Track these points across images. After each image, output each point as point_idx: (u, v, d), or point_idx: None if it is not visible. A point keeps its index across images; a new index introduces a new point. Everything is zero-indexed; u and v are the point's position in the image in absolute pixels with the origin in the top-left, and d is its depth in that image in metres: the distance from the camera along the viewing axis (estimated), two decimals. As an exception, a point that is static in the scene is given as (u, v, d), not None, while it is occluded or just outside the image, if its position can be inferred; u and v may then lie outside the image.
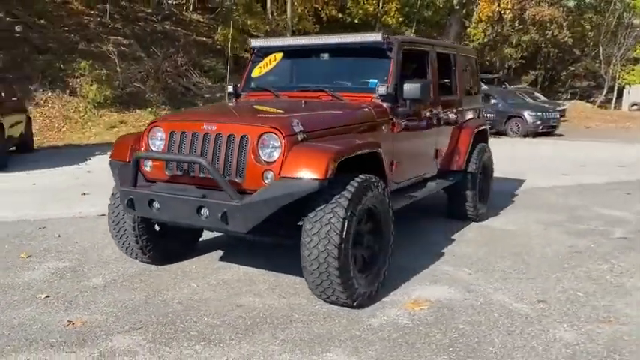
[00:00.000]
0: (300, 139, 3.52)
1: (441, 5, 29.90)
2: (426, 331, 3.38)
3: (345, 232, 3.39)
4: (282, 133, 3.48)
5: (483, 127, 6.28)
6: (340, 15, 28.52)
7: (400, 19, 29.52)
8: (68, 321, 3.43)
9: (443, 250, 5.02)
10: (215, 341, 3.20)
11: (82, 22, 22.79)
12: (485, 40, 30.50)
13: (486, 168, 6.31)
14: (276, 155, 3.48)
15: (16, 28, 20.48)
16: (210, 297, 3.86)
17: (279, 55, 5.02)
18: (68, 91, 18.79)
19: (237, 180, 3.57)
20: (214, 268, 4.48)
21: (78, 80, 19.17)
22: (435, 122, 5.20)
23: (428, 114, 5.06)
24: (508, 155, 11.76)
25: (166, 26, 25.82)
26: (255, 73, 5.09)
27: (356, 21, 28.75)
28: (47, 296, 3.84)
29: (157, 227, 4.40)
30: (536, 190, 8.21)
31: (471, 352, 3.11)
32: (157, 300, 3.80)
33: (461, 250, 5.05)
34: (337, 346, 3.16)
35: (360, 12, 28.43)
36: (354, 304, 3.62)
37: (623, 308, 3.78)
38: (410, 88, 4.42)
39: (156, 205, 3.67)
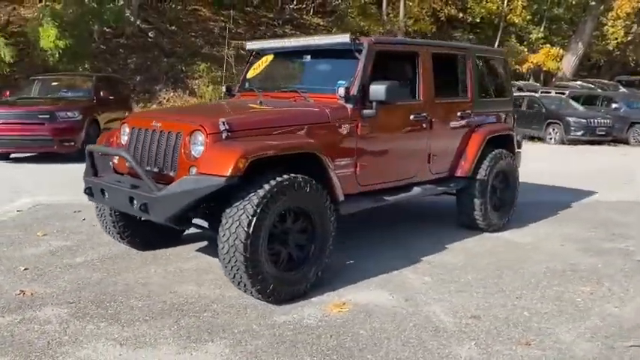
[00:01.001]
0: (224, 137, 3.67)
1: (574, 2, 27.74)
2: (323, 333, 3.38)
3: (252, 229, 3.49)
4: (206, 131, 3.68)
5: (503, 133, 5.91)
6: (461, 14, 27.70)
7: (528, 17, 27.91)
8: (21, 290, 3.91)
9: (421, 257, 4.86)
10: (121, 321, 3.48)
11: (208, 27, 24.54)
12: (628, 38, 27.84)
13: (507, 176, 5.94)
14: (200, 152, 3.68)
15: (150, 34, 22.67)
16: (155, 282, 4.16)
17: (270, 57, 5.19)
18: (187, 91, 20.42)
19: (170, 174, 3.83)
20: (185, 257, 4.77)
21: (196, 82, 20.75)
22: (425, 125, 5.03)
23: (414, 116, 4.92)
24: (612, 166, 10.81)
25: (286, 30, 26.87)
26: (250, 74, 5.32)
27: (477, 20, 27.74)
28: (26, 269, 4.39)
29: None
30: (595, 203, 7.50)
31: (344, 359, 3.07)
32: (110, 280, 4.17)
33: (441, 259, 4.86)
34: (223, 338, 3.28)
35: (483, 11, 27.35)
36: (269, 299, 3.71)
37: (560, 333, 3.45)
38: (375, 90, 4.36)
39: (106, 194, 4.04)
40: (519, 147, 6.31)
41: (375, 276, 4.37)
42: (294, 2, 27.86)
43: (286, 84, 4.99)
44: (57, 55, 17.68)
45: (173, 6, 24.64)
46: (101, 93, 10.96)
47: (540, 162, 11.14)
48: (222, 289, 4.01)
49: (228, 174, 3.45)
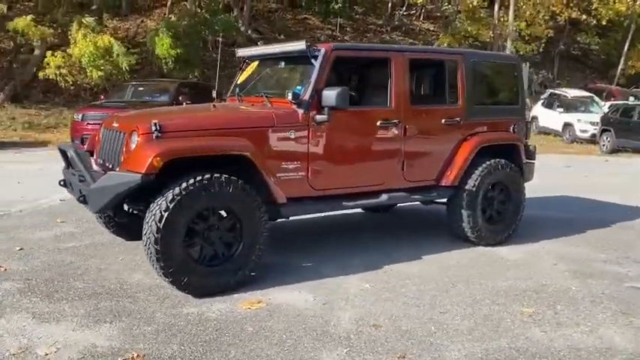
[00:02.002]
0: (154, 137, 3.98)
1: None
2: (211, 326, 3.54)
3: (163, 223, 3.75)
4: (139, 131, 4.01)
5: (502, 142, 5.60)
6: (584, 17, 25.76)
7: (664, 18, 25.28)
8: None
9: (383, 265, 4.81)
10: (53, 298, 3.90)
11: (315, 35, 25.24)
12: None
13: (507, 188, 5.61)
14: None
15: (258, 43, 23.85)
16: (112, 269, 4.57)
17: (255, 64, 5.44)
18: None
19: (116, 169, 4.21)
20: (160, 248, 5.14)
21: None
22: (397, 131, 4.96)
23: (382, 122, 4.87)
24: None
25: (394, 36, 26.88)
26: (240, 79, 5.59)
27: (603, 23, 25.64)
28: (21, 249, 5.03)
29: (125, 207, 5.20)
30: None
31: (209, 350, 3.21)
32: (77, 264, 4.66)
33: (401, 268, 4.77)
34: (122, 322, 3.57)
35: (610, 12, 25.21)
36: (185, 291, 3.94)
37: (449, 351, 3.30)
38: (326, 95, 4.43)
39: (70, 186, 4.53)
40: (531, 158, 5.92)
41: (312, 280, 4.42)
42: (404, 8, 27.74)
43: (259, 89, 5.18)
44: (170, 63, 19.32)
45: (283, 16, 25.69)
46: (180, 98, 11.86)
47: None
48: (160, 280, 4.27)
49: (144, 171, 3.75)
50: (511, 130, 5.76)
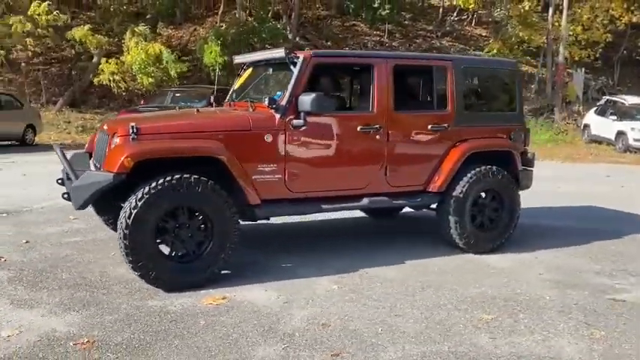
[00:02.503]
0: (131, 139, 4.23)
1: None
2: (168, 318, 3.73)
3: (132, 220, 3.99)
4: (119, 133, 4.29)
5: (495, 149, 5.54)
6: (647, 20, 24.59)
7: None
8: (0, 256, 4.91)
9: (359, 268, 4.87)
10: (37, 287, 4.22)
11: (363, 41, 25.36)
12: None
13: (500, 195, 5.55)
14: (116, 151, 4.30)
15: (306, 49, 24.21)
16: (101, 263, 4.86)
17: (249, 70, 5.64)
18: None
19: (102, 169, 4.50)
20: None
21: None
22: (379, 137, 5.02)
23: (363, 127, 4.94)
24: None
25: (443, 42, 26.61)
26: (237, 85, 5.81)
27: (668, 26, 24.40)
28: (27, 242, 5.43)
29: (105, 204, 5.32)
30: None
31: (150, 337, 3.40)
32: (71, 257, 4.99)
33: (378, 272, 4.81)
34: (88, 310, 3.82)
35: (675, 16, 23.97)
36: (155, 285, 4.17)
37: (387, 352, 3.35)
38: (302, 100, 4.57)
39: (65, 185, 4.86)
40: (529, 165, 5.82)
41: (285, 279, 4.55)
42: (455, 14, 27.40)
43: (248, 94, 5.37)
44: (218, 70, 19.93)
45: (332, 22, 25.94)
46: (213, 104, 12.25)
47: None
48: (132, 273, 4.48)
49: (115, 171, 4.01)
50: (508, 137, 5.67)
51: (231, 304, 4.02)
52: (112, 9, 21.74)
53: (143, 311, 3.84)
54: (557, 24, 23.56)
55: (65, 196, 4.40)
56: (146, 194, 4.02)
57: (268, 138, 4.62)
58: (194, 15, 26.13)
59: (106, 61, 18.81)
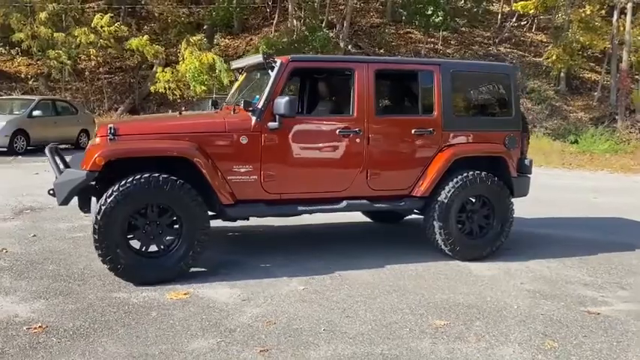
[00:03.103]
0: (108, 139, 4.49)
1: None
2: (125, 309, 3.92)
3: (101, 216, 4.22)
4: (99, 134, 4.56)
5: (485, 154, 5.43)
6: None
7: None
8: (3, 248, 5.29)
9: (334, 272, 4.90)
10: (21, 276, 4.53)
11: (416, 49, 25.16)
12: None
13: (490, 202, 5.42)
14: (98, 151, 4.56)
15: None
16: (88, 257, 5.08)
17: (244, 75, 5.82)
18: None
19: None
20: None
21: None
22: (359, 140, 5.04)
23: (342, 131, 4.99)
24: None
25: (501, 48, 26.00)
26: (234, 89, 6.00)
27: None
28: (34, 235, 5.81)
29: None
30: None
31: (99, 325, 3.60)
32: (66, 251, 5.30)
33: (356, 276, 4.80)
34: (55, 299, 4.06)
35: None
36: (124, 278, 4.38)
37: (321, 346, 3.38)
38: (276, 104, 4.68)
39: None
40: (525, 172, 5.65)
41: (256, 279, 4.64)
42: (514, 19, 26.69)
43: (237, 98, 5.53)
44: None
45: (385, 30, 25.91)
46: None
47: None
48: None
49: (88, 169, 4.26)
50: (502, 142, 5.54)
51: (192, 299, 4.16)
52: (169, 20, 22.68)
53: (105, 302, 4.04)
54: (621, 29, 22.49)
55: (51, 192, 4.69)
56: (115, 191, 4.24)
57: (244, 140, 4.75)
58: (251, 25, 26.83)
59: (162, 70, 19.64)
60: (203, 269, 4.84)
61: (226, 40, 25.35)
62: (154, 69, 21.56)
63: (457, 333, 3.71)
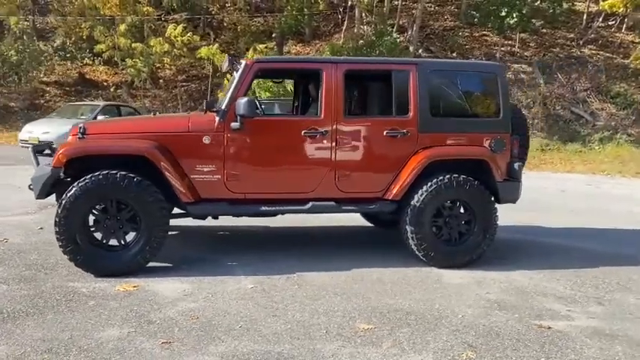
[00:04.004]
0: (78, 138, 4.78)
1: None
2: (66, 297, 4.14)
3: (61, 209, 4.50)
4: (71, 134, 4.86)
5: (463, 157, 5.19)
6: None
7: None
8: (4, 238, 5.75)
9: (298, 272, 4.89)
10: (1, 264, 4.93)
11: (491, 52, 24.31)
12: None
13: (471, 207, 5.18)
14: (72, 149, 4.87)
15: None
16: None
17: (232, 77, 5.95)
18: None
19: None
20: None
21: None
22: (326, 141, 5.00)
23: (308, 131, 4.97)
24: None
25: (585, 50, 24.55)
26: (224, 91, 6.15)
27: None
28: (41, 228, 6.25)
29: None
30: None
31: (37, 310, 3.83)
32: (55, 243, 5.65)
33: (314, 278, 4.76)
34: (15, 285, 4.36)
35: None
36: (84, 269, 4.62)
37: (224, 341, 3.41)
38: (237, 104, 4.77)
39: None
40: (514, 176, 5.33)
41: (213, 275, 4.73)
42: (600, 19, 25.06)
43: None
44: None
45: (459, 33, 25.26)
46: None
47: None
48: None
49: (53, 166, 4.56)
50: (488, 145, 5.27)
51: (137, 291, 4.32)
52: (239, 29, 23.45)
53: (57, 290, 4.29)
54: None
55: (31, 186, 5.04)
56: (75, 187, 4.50)
57: (207, 140, 4.86)
58: (322, 32, 27.11)
59: (226, 78, 20.32)
60: (168, 264, 5.01)
61: (297, 48, 25.79)
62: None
63: (375, 338, 3.59)
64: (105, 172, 4.53)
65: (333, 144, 5.01)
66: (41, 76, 23.25)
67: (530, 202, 9.34)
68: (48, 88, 23.85)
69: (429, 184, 5.04)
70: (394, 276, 4.91)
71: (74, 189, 4.49)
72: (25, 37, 23.16)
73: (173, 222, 5.73)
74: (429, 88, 5.14)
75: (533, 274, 5.08)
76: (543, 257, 5.70)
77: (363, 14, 24.39)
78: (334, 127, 4.99)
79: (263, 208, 4.99)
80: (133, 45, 20.73)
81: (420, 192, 5.05)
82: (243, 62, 4.95)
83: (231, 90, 4.89)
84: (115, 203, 4.65)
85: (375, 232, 6.74)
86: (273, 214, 5.13)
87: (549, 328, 3.86)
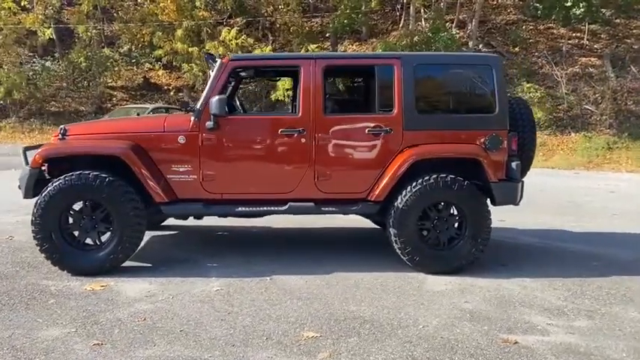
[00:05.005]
0: (60, 138, 4.88)
1: None
2: (32, 295, 4.22)
3: (37, 209, 4.60)
4: (54, 134, 4.97)
5: (448, 156, 4.86)
6: None
7: None
8: (10, 236, 5.98)
9: (273, 275, 4.76)
10: (-8, 261, 5.12)
11: (557, 45, 23.11)
12: None
13: (461, 209, 4.84)
14: (57, 149, 4.97)
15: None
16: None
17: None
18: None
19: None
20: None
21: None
22: (305, 140, 4.83)
23: (284, 130, 4.82)
24: None
25: (661, 41, 22.83)
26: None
27: None
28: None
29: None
30: None
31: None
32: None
33: (287, 282, 4.62)
34: (-7, 282, 4.54)
35: None
36: (60, 268, 4.70)
37: (157, 344, 3.34)
38: (210, 103, 4.71)
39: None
40: (512, 176, 4.94)
41: (185, 277, 4.69)
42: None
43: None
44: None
45: (522, 27, 24.16)
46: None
47: None
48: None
49: (31, 166, 4.67)
50: (481, 142, 4.91)
51: (102, 291, 4.34)
52: (291, 30, 23.52)
53: (27, 288, 4.38)
54: None
55: (19, 186, 5.19)
56: (49, 187, 4.58)
57: (182, 140, 4.82)
58: (380, 30, 26.72)
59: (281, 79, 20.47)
60: (147, 265, 5.02)
61: (354, 47, 25.57)
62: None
63: (313, 348, 3.39)
64: (78, 172, 4.58)
65: (312, 143, 4.82)
66: (108, 81, 24.34)
67: (564, 204, 8.75)
68: (115, 93, 24.96)
69: (414, 184, 4.75)
70: (373, 281, 4.66)
71: (49, 189, 4.58)
72: (94, 44, 24.35)
73: (167, 222, 5.78)
74: (414, 84, 4.85)
75: (528, 283, 4.68)
76: (550, 264, 5.26)
77: (421, 10, 23.83)
78: (313, 125, 4.81)
79: (238, 209, 4.88)
80: (190, 49, 21.25)
81: (403, 193, 4.77)
82: (218, 60, 4.86)
83: (206, 89, 4.82)
84: (90, 203, 4.69)
85: (377, 235, 6.46)
86: (250, 215, 5.01)
87: (515, 342, 3.51)
